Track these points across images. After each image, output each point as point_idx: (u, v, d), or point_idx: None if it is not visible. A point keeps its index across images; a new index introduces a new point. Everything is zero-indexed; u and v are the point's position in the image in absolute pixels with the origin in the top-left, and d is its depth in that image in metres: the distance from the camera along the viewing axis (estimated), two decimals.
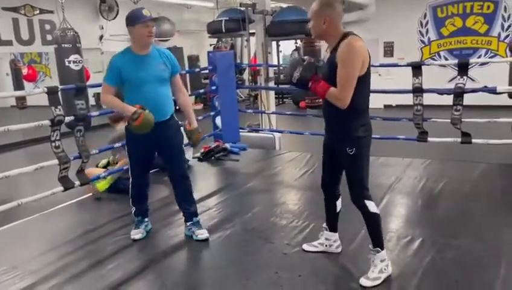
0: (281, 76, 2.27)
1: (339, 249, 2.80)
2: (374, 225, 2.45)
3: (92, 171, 4.13)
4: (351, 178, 2.45)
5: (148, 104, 2.86)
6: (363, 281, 2.42)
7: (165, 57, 3.02)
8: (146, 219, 3.26)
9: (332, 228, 2.78)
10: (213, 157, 5.29)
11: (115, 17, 9.59)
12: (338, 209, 2.72)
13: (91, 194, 4.12)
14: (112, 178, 4.18)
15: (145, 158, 3.15)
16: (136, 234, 3.18)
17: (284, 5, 8.97)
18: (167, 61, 3.01)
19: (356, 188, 2.44)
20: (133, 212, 3.23)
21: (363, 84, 2.30)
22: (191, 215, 3.16)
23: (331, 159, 2.56)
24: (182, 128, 3.20)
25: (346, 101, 2.27)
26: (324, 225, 2.81)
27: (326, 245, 2.80)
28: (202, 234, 3.11)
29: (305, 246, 2.87)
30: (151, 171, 3.33)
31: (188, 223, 3.17)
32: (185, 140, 3.20)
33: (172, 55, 3.10)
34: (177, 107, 3.16)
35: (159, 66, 2.96)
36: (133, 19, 2.89)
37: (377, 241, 2.46)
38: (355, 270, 2.57)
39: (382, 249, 2.46)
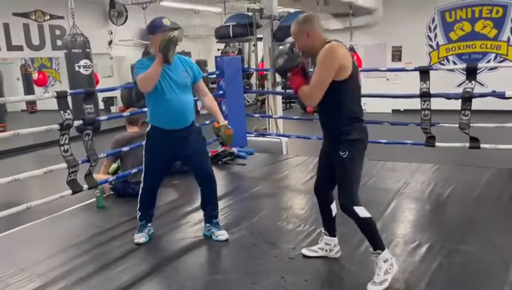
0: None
1: (339, 254, 2.78)
2: (368, 229, 2.45)
3: (99, 176, 4.15)
4: (341, 183, 2.46)
5: (170, 111, 2.92)
6: (371, 287, 2.40)
7: (186, 64, 3.07)
8: (149, 224, 3.29)
9: (331, 232, 2.77)
10: (220, 162, 5.30)
11: (123, 23, 9.69)
12: (334, 214, 2.72)
13: (94, 199, 4.11)
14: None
15: (163, 165, 3.20)
16: (140, 238, 3.20)
17: (291, 10, 9.00)
18: (189, 69, 3.07)
19: (345, 194, 2.43)
20: (138, 216, 3.25)
21: (348, 88, 2.37)
22: (212, 217, 3.22)
23: (326, 164, 2.59)
24: (209, 129, 3.23)
25: (314, 101, 2.39)
26: (322, 229, 2.80)
27: (326, 250, 2.79)
28: (222, 235, 3.16)
29: (305, 251, 2.86)
30: None
31: (208, 225, 3.23)
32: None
33: (192, 61, 3.16)
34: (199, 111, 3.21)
35: (181, 74, 3.01)
36: (154, 28, 2.95)
37: (375, 244, 2.44)
38: (361, 275, 2.56)
39: (383, 250, 2.44)
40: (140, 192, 3.21)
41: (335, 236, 2.78)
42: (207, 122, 4.92)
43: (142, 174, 3.20)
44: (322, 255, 2.80)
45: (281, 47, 2.56)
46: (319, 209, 2.77)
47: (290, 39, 2.51)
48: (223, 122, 3.15)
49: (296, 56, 2.44)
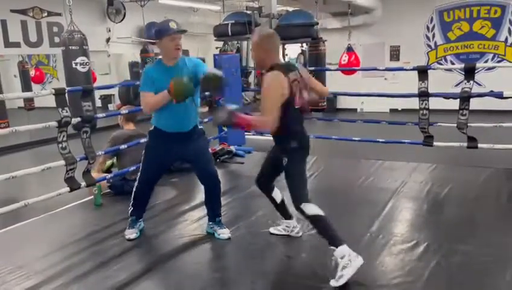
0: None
1: (300, 234, 3.08)
2: (318, 226, 2.57)
3: (95, 175, 4.14)
4: (288, 185, 2.69)
5: (175, 115, 2.92)
6: (332, 282, 2.47)
7: (190, 65, 3.01)
8: (140, 219, 3.30)
9: (285, 216, 3.09)
10: (218, 160, 5.30)
11: (121, 20, 9.64)
12: (279, 199, 3.02)
13: (92, 197, 4.12)
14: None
15: (162, 165, 3.22)
16: (131, 234, 3.22)
17: (290, 9, 8.99)
18: (193, 70, 2.97)
19: (294, 194, 2.65)
20: (129, 211, 3.26)
21: (288, 108, 2.57)
22: (215, 215, 3.24)
23: (271, 163, 2.89)
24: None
25: (273, 124, 2.53)
26: (278, 214, 3.10)
27: (287, 231, 3.10)
28: (225, 233, 3.18)
29: (272, 230, 3.16)
30: None
31: (211, 223, 3.24)
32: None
33: (198, 60, 3.11)
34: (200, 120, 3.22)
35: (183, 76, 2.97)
36: (160, 33, 2.92)
37: (329, 240, 2.51)
38: (360, 274, 2.56)
39: (337, 246, 2.47)
40: (134, 189, 3.22)
41: (291, 219, 3.08)
42: (205, 120, 4.91)
43: (139, 172, 3.20)
44: (285, 234, 3.11)
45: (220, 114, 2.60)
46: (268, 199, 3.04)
47: (301, 50, 2.67)
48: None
49: (225, 109, 2.57)
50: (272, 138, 2.80)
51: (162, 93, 2.85)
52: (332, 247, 2.48)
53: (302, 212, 2.59)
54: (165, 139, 3.03)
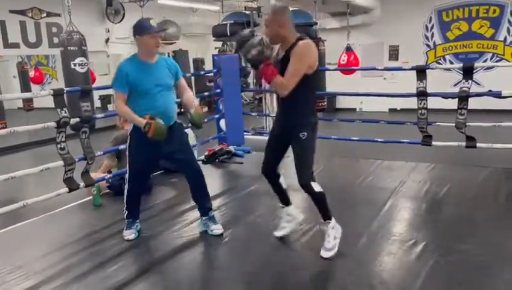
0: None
1: (301, 216, 3.14)
2: (321, 201, 2.74)
3: (96, 175, 4.15)
4: (300, 161, 2.73)
5: (153, 111, 2.92)
6: (324, 253, 2.71)
7: (168, 65, 3.10)
8: (137, 220, 3.31)
9: (286, 203, 3.07)
10: (217, 160, 5.30)
11: (121, 21, 9.65)
12: (285, 186, 3.02)
13: (91, 197, 4.12)
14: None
15: (148, 167, 3.24)
16: (130, 234, 3.22)
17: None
18: (171, 69, 3.10)
19: (305, 171, 2.71)
20: (125, 215, 3.26)
21: (313, 80, 2.69)
22: (206, 210, 3.24)
23: (277, 146, 2.90)
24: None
25: (289, 89, 2.60)
26: (280, 204, 3.07)
27: (289, 220, 3.07)
28: (218, 229, 3.19)
29: (277, 233, 3.08)
30: (156, 173, 3.35)
31: (204, 218, 3.24)
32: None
33: (174, 61, 3.20)
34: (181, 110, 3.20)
35: (164, 74, 3.04)
36: (141, 29, 2.95)
37: (327, 214, 2.76)
38: (358, 271, 2.58)
39: (331, 217, 2.76)
40: (125, 193, 3.23)
41: (291, 204, 3.08)
42: (204, 120, 4.91)
43: (127, 175, 3.20)
44: (291, 228, 3.08)
45: (246, 32, 2.65)
46: (273, 189, 3.03)
47: (247, 31, 2.67)
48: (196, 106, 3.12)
49: (268, 49, 2.60)
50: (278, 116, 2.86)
51: (139, 120, 2.89)
52: (327, 220, 2.74)
53: (309, 189, 2.68)
54: (146, 137, 2.95)
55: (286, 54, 2.64)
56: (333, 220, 2.78)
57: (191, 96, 3.21)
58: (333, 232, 2.76)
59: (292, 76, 2.59)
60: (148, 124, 2.85)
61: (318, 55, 2.71)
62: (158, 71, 3.01)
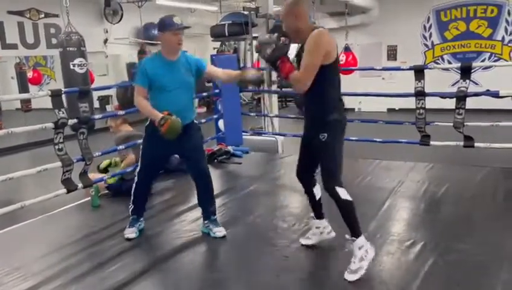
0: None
1: (332, 234, 2.86)
2: (348, 212, 2.49)
3: (94, 175, 4.14)
4: (324, 165, 2.56)
5: (171, 108, 2.93)
6: (348, 276, 2.44)
7: (188, 62, 3.07)
8: (141, 219, 3.31)
9: (319, 216, 2.86)
10: (216, 160, 5.30)
11: (119, 21, 9.64)
12: (319, 196, 2.81)
13: (89, 198, 4.11)
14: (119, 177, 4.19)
15: (159, 162, 3.26)
16: (130, 233, 3.22)
17: None
18: (191, 66, 3.07)
19: (328, 175, 2.53)
20: (130, 210, 3.26)
21: (331, 72, 2.50)
22: (209, 214, 3.24)
23: (307, 150, 2.70)
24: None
25: (305, 85, 2.45)
26: (312, 214, 2.89)
27: (319, 232, 2.87)
28: (220, 231, 3.18)
29: (302, 241, 2.93)
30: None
31: (206, 221, 3.24)
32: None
33: (194, 57, 3.18)
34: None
35: (185, 72, 3.04)
36: (164, 26, 2.96)
37: (353, 229, 2.49)
38: None
39: (358, 236, 2.48)
40: (134, 186, 3.23)
41: (323, 218, 2.87)
42: (203, 120, 4.92)
43: (138, 168, 3.21)
44: (317, 240, 2.88)
45: (265, 36, 2.60)
46: (307, 197, 2.85)
47: (266, 35, 2.59)
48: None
49: (282, 45, 2.51)
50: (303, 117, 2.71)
51: (155, 113, 2.90)
52: (352, 237, 2.48)
53: (334, 194, 2.48)
54: (159, 132, 2.98)
55: (302, 47, 2.51)
56: (362, 238, 2.48)
57: (226, 71, 3.20)
58: (360, 252, 2.45)
59: (306, 70, 2.44)
60: (164, 118, 2.85)
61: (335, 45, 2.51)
62: (177, 69, 3.00)
